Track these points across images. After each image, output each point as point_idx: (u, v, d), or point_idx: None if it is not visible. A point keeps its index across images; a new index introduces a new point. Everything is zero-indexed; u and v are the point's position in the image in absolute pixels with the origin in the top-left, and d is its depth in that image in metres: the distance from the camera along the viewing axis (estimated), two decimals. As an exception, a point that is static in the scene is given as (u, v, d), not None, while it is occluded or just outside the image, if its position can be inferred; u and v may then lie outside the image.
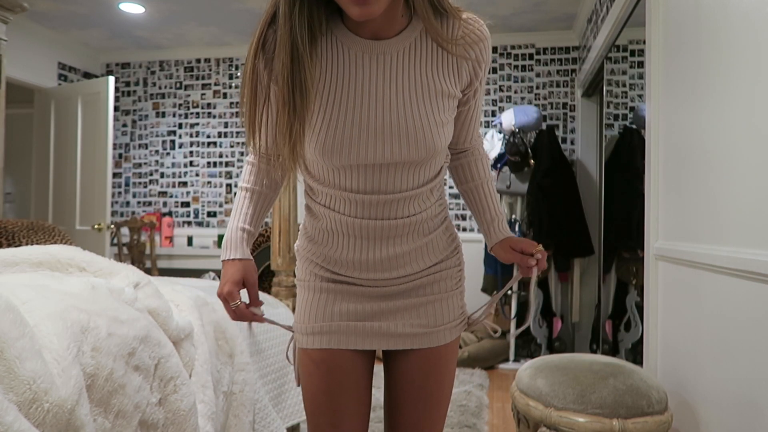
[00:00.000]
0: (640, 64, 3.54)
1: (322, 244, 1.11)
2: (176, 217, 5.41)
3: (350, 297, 1.10)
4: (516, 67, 4.90)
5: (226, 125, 5.35)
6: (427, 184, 1.07)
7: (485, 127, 4.92)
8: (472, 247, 4.54)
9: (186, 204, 5.41)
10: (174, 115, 5.44)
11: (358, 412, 1.11)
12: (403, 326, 1.09)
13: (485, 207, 1.21)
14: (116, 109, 5.44)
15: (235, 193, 5.30)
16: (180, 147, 5.42)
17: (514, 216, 4.27)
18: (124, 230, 4.92)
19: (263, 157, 1.11)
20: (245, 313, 1.10)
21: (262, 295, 2.27)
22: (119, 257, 4.58)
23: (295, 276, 2.46)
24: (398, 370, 1.13)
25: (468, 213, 4.95)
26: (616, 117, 4.34)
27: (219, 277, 4.50)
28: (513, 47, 4.89)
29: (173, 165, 5.43)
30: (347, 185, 1.03)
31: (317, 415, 1.11)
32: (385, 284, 1.10)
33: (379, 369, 1.67)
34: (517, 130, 4.12)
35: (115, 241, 4.70)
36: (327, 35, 1.01)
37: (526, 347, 4.32)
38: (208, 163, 5.37)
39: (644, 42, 2.45)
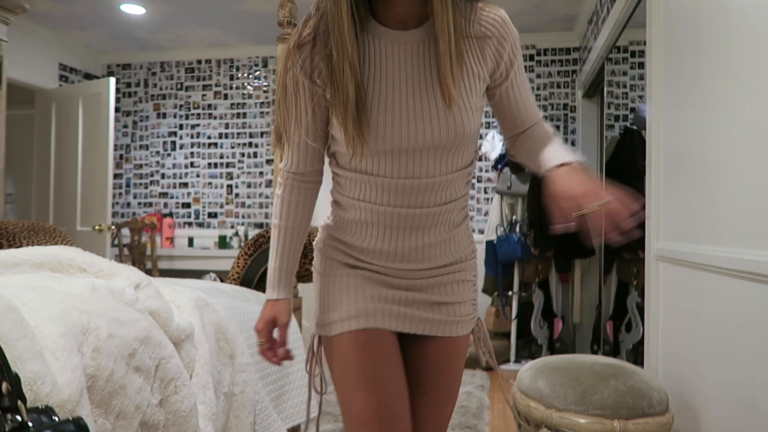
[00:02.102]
0: (641, 65, 3.54)
1: (350, 234, 1.13)
2: (177, 218, 5.41)
3: (379, 284, 1.12)
4: (517, 67, 4.90)
5: (226, 126, 5.36)
6: (456, 172, 1.09)
7: (485, 127, 4.92)
8: (473, 248, 4.54)
9: (187, 205, 5.41)
10: (175, 116, 5.44)
11: (403, 390, 1.09)
12: (427, 314, 1.13)
13: (548, 151, 1.11)
14: (117, 110, 5.44)
15: (236, 194, 5.31)
16: (181, 148, 5.42)
17: (514, 217, 4.27)
18: (125, 231, 4.93)
19: (296, 176, 1.15)
20: (265, 354, 1.17)
21: (263, 296, 2.27)
22: (120, 258, 4.58)
23: (296, 277, 2.46)
24: (413, 362, 1.14)
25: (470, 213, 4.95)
26: (616, 118, 4.34)
27: (219, 278, 4.50)
28: (513, 48, 4.89)
29: (174, 166, 5.44)
30: (380, 171, 1.06)
31: (362, 398, 1.04)
32: (411, 275, 1.12)
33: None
34: (517, 130, 4.12)
35: (116, 242, 4.70)
36: (366, 36, 1.05)
37: (527, 348, 4.32)
38: (209, 164, 5.38)
39: (645, 43, 2.45)
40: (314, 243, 1.22)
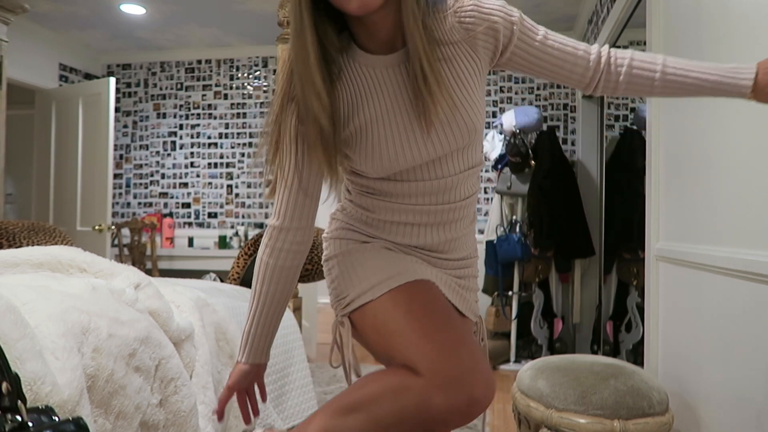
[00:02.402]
0: (641, 65, 3.53)
1: (381, 230, 1.13)
2: (177, 218, 5.41)
3: (411, 255, 1.13)
4: (517, 68, 4.90)
5: (226, 126, 5.36)
6: (475, 167, 1.12)
7: (486, 127, 4.91)
8: (473, 248, 4.54)
9: (187, 205, 5.41)
10: (175, 116, 5.44)
11: (447, 305, 1.09)
12: (456, 288, 1.15)
13: (697, 78, 1.03)
14: (117, 110, 5.44)
15: (236, 194, 5.31)
16: (181, 148, 5.42)
17: (514, 217, 4.27)
18: (125, 231, 4.93)
19: (283, 233, 1.08)
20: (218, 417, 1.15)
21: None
22: (120, 258, 4.58)
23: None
24: None
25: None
26: (616, 118, 4.34)
27: (219, 278, 4.50)
28: (513, 48, 4.88)
29: (174, 166, 5.44)
30: (406, 177, 1.08)
31: (420, 328, 0.99)
32: (438, 265, 1.15)
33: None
34: (517, 130, 4.12)
35: (116, 242, 4.70)
36: (348, 63, 1.04)
37: (527, 348, 4.32)
38: (209, 164, 5.38)
39: (645, 43, 2.45)
40: (323, 235, 1.19)
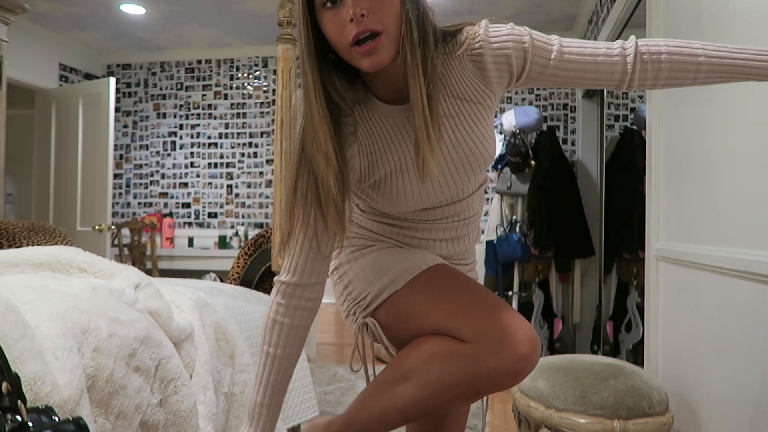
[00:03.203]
0: (641, 65, 3.53)
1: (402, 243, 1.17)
2: (177, 218, 5.41)
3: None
4: (517, 68, 4.90)
5: (226, 126, 5.36)
6: (482, 186, 1.18)
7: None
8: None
9: (187, 205, 5.41)
10: (175, 116, 5.44)
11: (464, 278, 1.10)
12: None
13: (745, 59, 0.96)
14: (117, 110, 5.44)
15: (236, 194, 5.31)
16: (181, 148, 5.42)
17: (515, 217, 4.27)
18: (125, 231, 4.93)
19: (294, 289, 1.04)
20: None
21: (264, 296, 2.27)
22: (120, 258, 4.58)
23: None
24: None
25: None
26: (616, 118, 4.34)
27: (219, 278, 4.50)
28: (514, 48, 4.89)
29: (174, 166, 5.44)
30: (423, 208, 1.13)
31: (455, 305, 1.00)
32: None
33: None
34: (517, 130, 4.12)
35: (116, 242, 4.70)
36: (365, 114, 1.04)
37: (527, 348, 4.31)
38: (209, 164, 5.38)
39: (645, 43, 2.45)
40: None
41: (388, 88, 1.02)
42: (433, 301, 1.02)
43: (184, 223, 5.40)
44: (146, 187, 5.48)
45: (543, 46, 0.99)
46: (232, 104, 5.35)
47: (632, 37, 1.01)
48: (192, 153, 5.41)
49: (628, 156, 3.86)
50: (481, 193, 1.18)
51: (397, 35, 0.92)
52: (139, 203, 5.50)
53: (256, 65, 5.32)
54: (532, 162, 4.18)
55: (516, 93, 4.90)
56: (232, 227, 5.31)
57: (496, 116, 4.88)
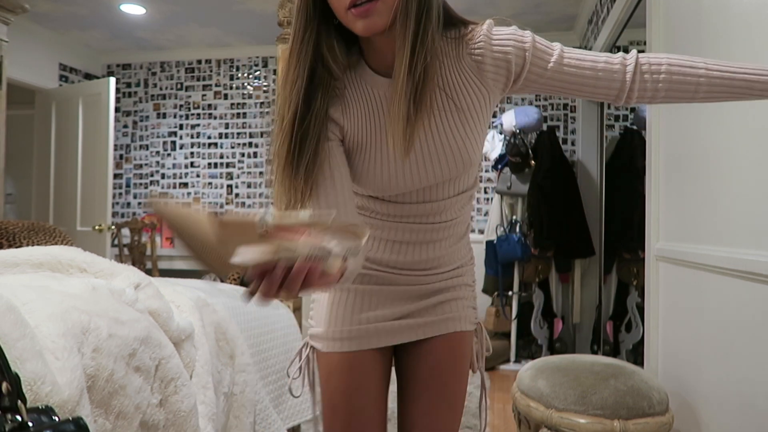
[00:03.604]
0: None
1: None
2: (177, 218, 5.41)
3: (383, 299, 1.12)
4: (517, 68, 4.90)
5: (226, 126, 5.36)
6: (464, 193, 1.10)
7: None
8: (474, 248, 4.52)
9: (187, 205, 5.41)
10: (175, 116, 5.44)
11: (375, 417, 1.11)
12: (427, 318, 1.12)
13: (745, 76, 0.95)
14: (117, 110, 5.44)
15: (236, 194, 5.31)
16: (181, 148, 5.42)
17: (515, 217, 4.27)
18: (125, 231, 4.92)
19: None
20: None
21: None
22: (120, 258, 4.58)
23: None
24: (417, 360, 1.13)
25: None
26: (616, 118, 4.34)
27: (220, 278, 4.50)
28: (514, 48, 4.88)
29: (174, 166, 5.44)
30: (394, 198, 1.07)
31: (333, 419, 1.11)
32: (421, 281, 1.12)
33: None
34: (517, 131, 4.12)
35: (116, 242, 4.70)
36: (354, 80, 1.03)
37: (527, 348, 4.32)
38: (209, 164, 5.38)
39: (645, 43, 2.45)
40: None
41: (382, 59, 1.00)
42: (323, 387, 1.12)
43: (184, 223, 5.40)
44: (146, 187, 5.49)
45: (544, 49, 0.98)
46: (232, 104, 5.35)
47: (633, 51, 1.01)
48: (192, 153, 5.41)
49: (628, 156, 3.87)
50: (464, 199, 1.11)
51: (396, 2, 0.91)
52: (139, 203, 5.50)
53: (256, 65, 5.32)
54: (532, 162, 4.18)
55: (516, 93, 4.90)
56: (232, 227, 5.31)
57: (495, 116, 4.88)
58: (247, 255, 0.59)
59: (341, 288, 1.11)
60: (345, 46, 1.00)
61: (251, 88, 5.32)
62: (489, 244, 4.33)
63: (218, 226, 0.60)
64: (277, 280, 0.63)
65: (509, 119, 4.16)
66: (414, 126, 0.93)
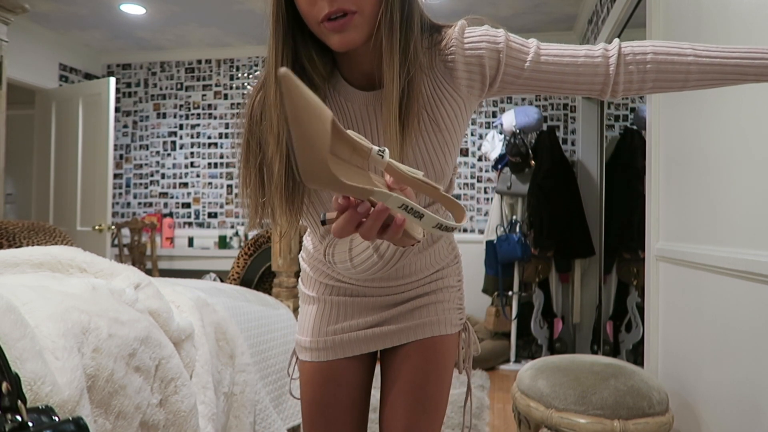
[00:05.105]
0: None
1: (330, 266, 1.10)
2: (177, 218, 5.41)
3: (356, 310, 1.11)
4: (517, 68, 4.90)
5: (226, 126, 5.36)
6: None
7: (485, 128, 4.91)
8: (474, 248, 4.53)
9: (187, 205, 5.41)
10: (175, 116, 5.44)
11: (351, 426, 1.12)
12: (404, 324, 1.09)
13: (738, 59, 0.88)
14: (117, 110, 5.44)
15: (236, 194, 5.31)
16: (181, 148, 5.42)
17: (515, 217, 4.27)
18: (125, 231, 4.93)
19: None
20: None
21: (264, 296, 2.27)
22: (120, 258, 4.58)
23: (297, 277, 2.46)
24: (395, 366, 1.11)
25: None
26: (616, 118, 4.34)
27: (219, 278, 4.50)
28: (514, 48, 4.88)
29: (174, 166, 5.44)
30: None
31: (309, 428, 1.13)
32: (393, 291, 1.10)
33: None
34: (517, 131, 4.12)
35: (116, 242, 4.70)
36: (330, 93, 0.98)
37: (527, 348, 4.32)
38: (209, 164, 5.38)
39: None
40: (300, 257, 1.20)
41: (357, 71, 0.95)
42: (301, 396, 1.14)
43: (184, 223, 5.40)
44: (146, 187, 5.48)
45: (519, 47, 0.92)
46: (232, 104, 5.35)
47: (616, 40, 0.95)
48: (192, 153, 5.41)
49: (628, 156, 3.87)
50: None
51: (373, 16, 0.85)
52: (139, 203, 5.50)
53: (256, 65, 5.32)
54: (532, 162, 4.18)
55: (516, 93, 4.90)
56: (232, 227, 5.31)
57: (495, 116, 4.88)
58: (347, 179, 0.58)
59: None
60: (322, 54, 0.94)
61: (251, 88, 5.33)
62: (489, 244, 4.33)
63: (337, 135, 0.58)
64: (358, 218, 0.63)
65: (509, 119, 4.16)
66: (404, 146, 0.89)
